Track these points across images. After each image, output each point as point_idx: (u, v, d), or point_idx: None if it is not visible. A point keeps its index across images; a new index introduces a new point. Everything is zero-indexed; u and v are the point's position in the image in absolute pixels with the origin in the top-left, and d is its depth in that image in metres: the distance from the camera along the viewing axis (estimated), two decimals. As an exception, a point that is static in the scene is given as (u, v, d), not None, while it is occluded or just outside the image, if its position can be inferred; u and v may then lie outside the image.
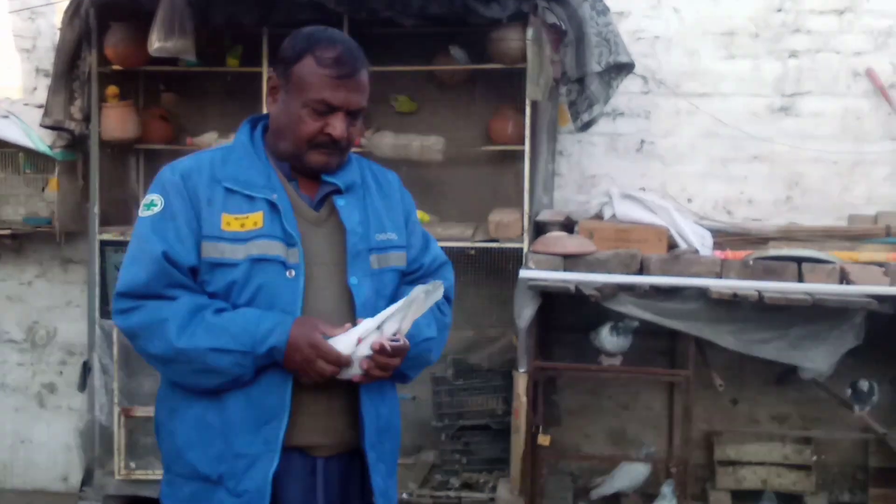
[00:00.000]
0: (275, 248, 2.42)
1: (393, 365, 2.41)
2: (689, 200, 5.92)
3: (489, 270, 5.55)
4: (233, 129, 5.57)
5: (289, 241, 2.43)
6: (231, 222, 2.43)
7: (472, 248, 5.43)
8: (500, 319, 5.75)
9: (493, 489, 5.34)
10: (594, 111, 5.23)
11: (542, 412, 5.24)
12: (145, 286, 2.40)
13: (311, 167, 2.52)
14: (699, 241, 5.34)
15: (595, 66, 5.11)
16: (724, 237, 5.67)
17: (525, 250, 5.26)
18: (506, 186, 5.73)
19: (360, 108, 2.51)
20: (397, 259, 2.62)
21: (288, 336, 2.35)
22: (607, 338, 5.16)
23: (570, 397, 5.93)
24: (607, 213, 5.48)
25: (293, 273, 2.42)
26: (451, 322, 2.73)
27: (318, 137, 2.47)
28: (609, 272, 5.01)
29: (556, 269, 5.03)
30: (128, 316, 2.43)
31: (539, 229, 5.41)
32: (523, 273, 5.00)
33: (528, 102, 5.25)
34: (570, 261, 5.06)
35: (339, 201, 2.54)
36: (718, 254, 5.27)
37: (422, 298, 2.37)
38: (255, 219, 2.43)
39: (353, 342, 2.38)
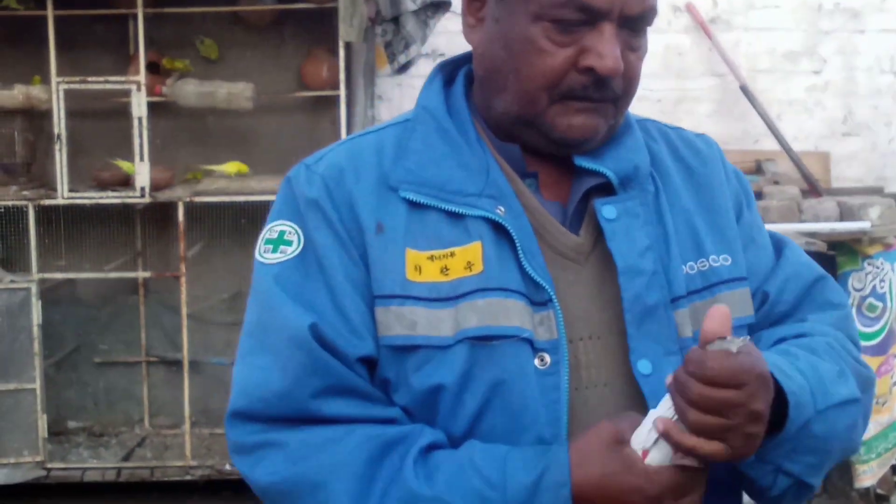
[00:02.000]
0: (512, 314, 1.29)
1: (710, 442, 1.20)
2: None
3: (308, 224, 5.27)
4: (15, 80, 5.18)
5: (534, 298, 1.31)
6: (423, 266, 1.31)
7: (288, 202, 5.11)
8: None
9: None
10: (411, 52, 4.95)
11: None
12: (283, 398, 1.30)
13: (556, 138, 1.35)
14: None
15: (410, 4, 4.82)
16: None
17: (345, 202, 4.96)
18: (322, 134, 5.42)
19: (645, 13, 1.35)
20: (737, 303, 1.40)
21: (570, 487, 1.22)
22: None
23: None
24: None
25: (546, 361, 1.29)
26: (873, 377, 1.45)
27: (567, 78, 1.33)
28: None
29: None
30: (258, 463, 1.33)
31: (359, 179, 5.13)
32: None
33: (341, 44, 4.95)
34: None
35: (607, 210, 1.35)
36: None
37: None
38: (467, 256, 1.31)
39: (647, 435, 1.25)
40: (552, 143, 1.36)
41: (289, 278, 1.34)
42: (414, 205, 1.33)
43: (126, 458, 5.35)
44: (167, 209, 5.27)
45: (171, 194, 5.09)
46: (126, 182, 5.09)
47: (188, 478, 5.21)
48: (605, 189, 1.37)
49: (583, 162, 1.36)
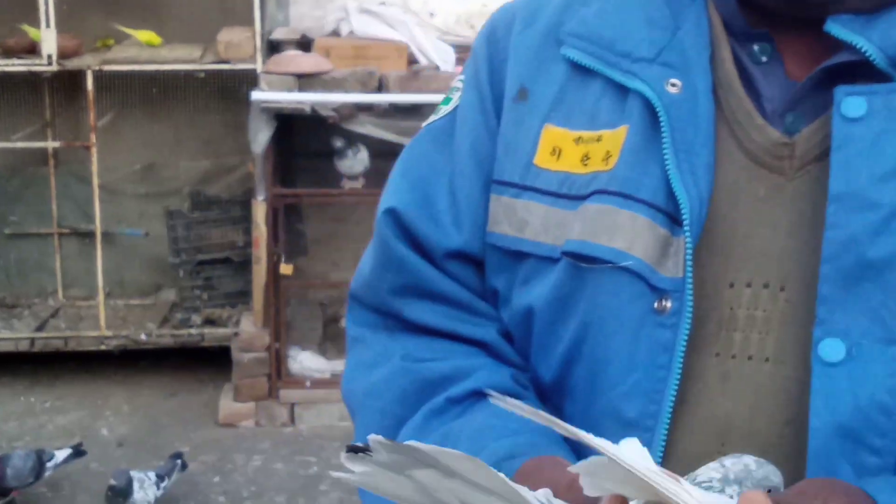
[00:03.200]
0: (621, 231, 0.92)
1: None
2: (432, 15, 5.69)
3: (221, 94, 5.24)
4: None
5: (675, 215, 0.90)
6: (565, 149, 0.97)
7: (201, 71, 5.05)
8: (237, 147, 5.42)
9: (237, 323, 5.13)
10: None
11: (285, 241, 5.02)
12: (370, 289, 1.09)
13: None
14: (441, 57, 5.14)
15: None
16: (468, 53, 5.50)
17: (258, 71, 4.91)
18: (235, 3, 5.31)
19: None
20: None
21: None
22: (347, 161, 4.95)
23: (316, 226, 5.73)
24: (344, 30, 5.18)
25: (666, 307, 0.90)
26: None
27: None
28: (347, 91, 4.76)
29: (290, 89, 4.74)
30: (350, 348, 1.11)
31: (273, 48, 5.08)
32: (256, 95, 4.69)
33: None
34: (306, 80, 4.77)
35: (852, 104, 0.87)
36: (460, 69, 5.11)
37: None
38: (608, 145, 0.95)
39: None
40: None
41: (418, 146, 1.09)
42: (577, 68, 0.98)
43: (40, 329, 5.33)
44: (76, 78, 5.15)
45: (79, 62, 4.98)
46: (33, 49, 4.96)
47: (103, 347, 5.23)
48: (861, 73, 0.87)
49: (836, 29, 0.87)
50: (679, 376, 0.88)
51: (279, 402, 4.88)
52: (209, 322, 5.29)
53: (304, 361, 4.95)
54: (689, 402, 0.89)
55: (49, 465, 4.01)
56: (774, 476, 0.75)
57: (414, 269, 1.02)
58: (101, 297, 5.20)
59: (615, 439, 0.72)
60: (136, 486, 3.77)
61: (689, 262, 0.88)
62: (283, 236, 4.99)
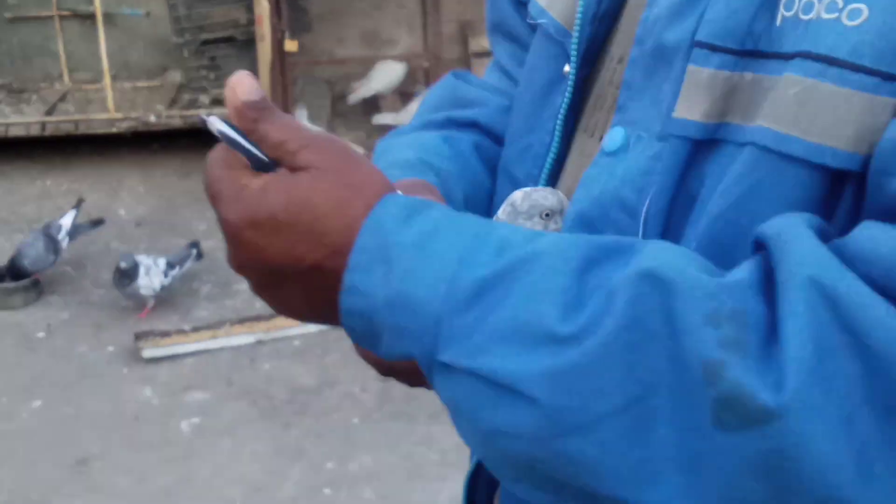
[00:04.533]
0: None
1: None
2: None
3: None
4: None
5: None
6: None
7: None
8: (234, -81, 5.26)
9: (246, 103, 5.12)
10: None
11: (288, 17, 4.94)
12: (435, 109, 1.03)
13: None
14: None
15: None
16: None
17: None
18: None
19: None
20: (842, 115, 0.62)
21: None
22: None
23: (320, 1, 5.63)
24: None
25: (566, 71, 0.85)
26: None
27: None
28: None
29: None
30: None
31: None
32: None
33: None
34: None
35: None
36: None
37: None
38: None
39: None
40: None
41: None
42: None
43: (49, 113, 5.35)
44: None
45: None
46: None
47: (114, 130, 5.26)
48: None
49: None
50: (557, 147, 0.85)
51: (291, 179, 4.94)
52: (217, 102, 5.29)
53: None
54: (560, 176, 0.86)
55: (60, 237, 4.10)
56: (549, 197, 0.80)
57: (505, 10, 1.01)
58: (107, 79, 5.18)
59: (503, 196, 0.84)
60: (141, 270, 3.84)
61: (579, 26, 0.82)
62: (286, 13, 4.91)
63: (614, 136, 0.74)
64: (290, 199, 0.64)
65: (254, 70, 5.08)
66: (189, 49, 5.28)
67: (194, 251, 4.10)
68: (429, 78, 5.09)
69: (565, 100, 0.84)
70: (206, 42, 5.28)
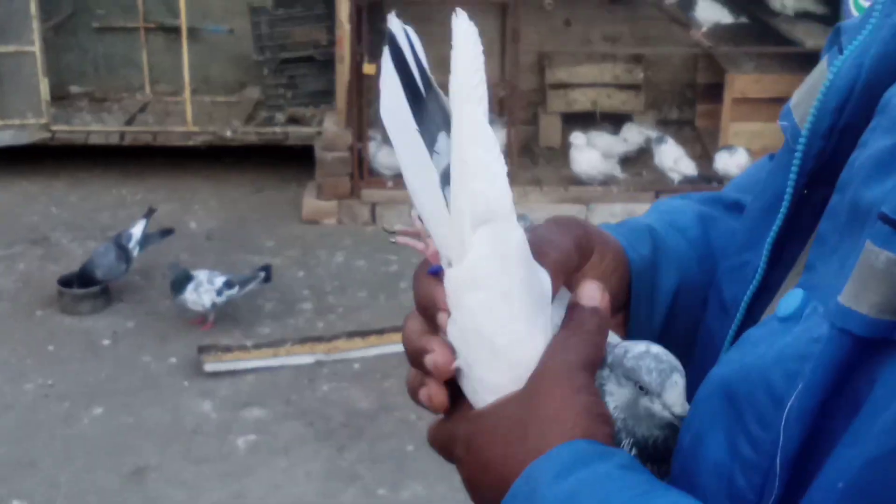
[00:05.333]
0: None
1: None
2: None
3: None
4: None
5: None
6: None
7: None
8: (320, -57, 5.33)
9: (321, 122, 5.17)
10: None
11: (368, 41, 4.98)
12: None
13: None
14: None
15: None
16: None
17: None
18: None
19: None
20: None
21: None
22: (432, -42, 4.83)
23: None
24: None
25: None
26: None
27: None
28: None
29: None
30: None
31: None
32: None
33: None
34: None
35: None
36: None
37: None
38: None
39: None
40: None
41: None
42: None
43: (129, 123, 5.45)
44: None
45: None
46: None
47: (190, 143, 5.33)
48: None
49: None
50: (761, 277, 0.71)
51: (361, 201, 4.97)
52: (293, 121, 5.34)
53: (383, 159, 4.99)
54: (755, 313, 0.73)
55: (131, 246, 4.15)
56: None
57: None
58: (187, 92, 5.26)
59: (712, 313, 0.73)
60: (190, 286, 3.85)
61: (805, 139, 0.68)
62: (366, 36, 4.95)
63: (791, 299, 0.62)
64: (473, 434, 0.66)
65: (331, 90, 5.12)
66: (269, 67, 5.35)
67: (262, 274, 4.06)
68: (503, 107, 5.08)
69: (776, 224, 0.69)
70: (285, 61, 5.34)
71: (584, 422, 0.62)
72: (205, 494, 3.06)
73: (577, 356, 0.63)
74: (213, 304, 3.90)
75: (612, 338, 0.68)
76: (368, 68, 4.87)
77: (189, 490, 3.08)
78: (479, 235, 0.61)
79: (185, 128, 5.29)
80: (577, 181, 5.05)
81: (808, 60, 5.22)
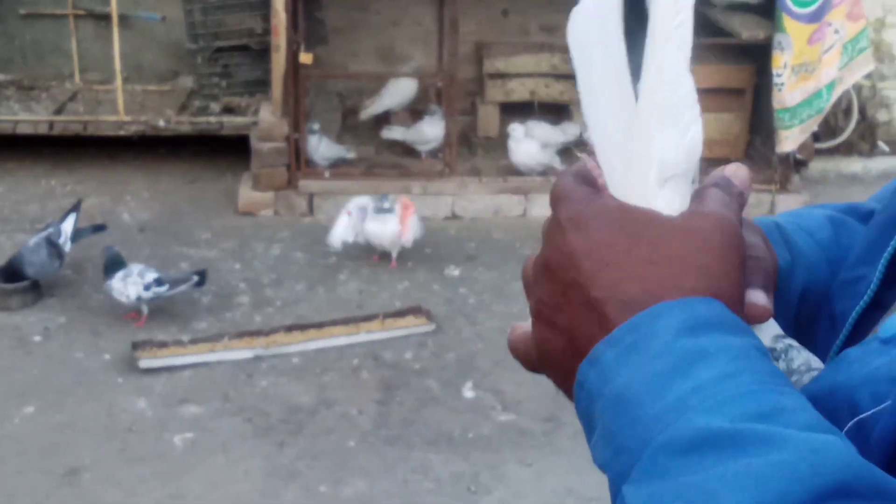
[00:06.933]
0: None
1: None
2: None
3: None
4: None
5: None
6: None
7: None
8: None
9: (256, 112, 5.09)
10: None
11: (305, 29, 4.91)
12: None
13: None
14: None
15: None
16: None
17: None
18: None
19: None
20: None
21: None
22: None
23: (337, 14, 5.60)
24: None
25: None
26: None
27: None
28: None
29: None
30: None
31: None
32: None
33: None
34: None
35: None
36: None
37: None
38: None
39: None
40: None
41: None
42: None
43: (58, 112, 5.31)
44: None
45: None
46: None
47: (122, 133, 5.22)
48: None
49: None
50: (873, 293, 0.68)
51: (298, 192, 4.91)
52: (228, 110, 5.25)
53: (323, 151, 4.94)
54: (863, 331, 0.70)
55: (62, 241, 4.04)
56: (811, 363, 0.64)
57: None
58: (118, 81, 5.14)
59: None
60: (119, 274, 3.77)
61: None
62: (302, 24, 4.88)
63: (894, 321, 0.59)
64: (626, 222, 0.56)
65: (266, 80, 5.04)
66: (202, 55, 5.24)
67: (195, 278, 3.93)
68: (441, 97, 5.05)
69: (895, 240, 0.66)
70: (219, 49, 5.24)
71: (740, 289, 0.57)
72: (142, 494, 2.99)
73: (738, 217, 0.58)
74: (139, 298, 3.80)
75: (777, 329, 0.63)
76: (305, 57, 4.80)
77: (125, 490, 3.00)
78: (664, 192, 0.55)
79: (116, 117, 5.18)
80: (515, 172, 5.04)
81: (743, 51, 5.27)
